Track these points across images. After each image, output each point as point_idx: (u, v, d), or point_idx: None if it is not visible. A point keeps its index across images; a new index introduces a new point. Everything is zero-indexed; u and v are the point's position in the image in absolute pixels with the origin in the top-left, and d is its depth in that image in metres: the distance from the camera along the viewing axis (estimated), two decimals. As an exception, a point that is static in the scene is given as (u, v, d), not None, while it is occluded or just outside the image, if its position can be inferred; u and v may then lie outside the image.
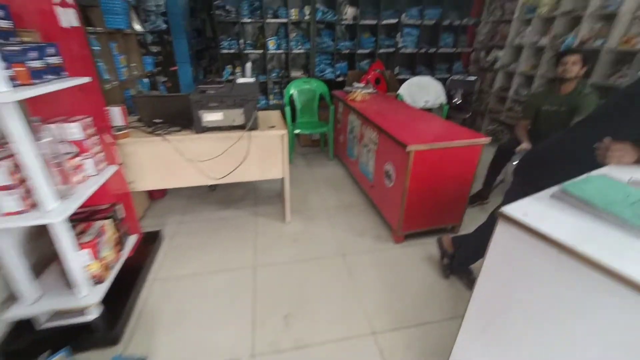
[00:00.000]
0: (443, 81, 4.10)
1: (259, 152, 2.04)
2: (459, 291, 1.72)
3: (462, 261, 1.75)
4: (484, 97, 4.25)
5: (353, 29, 3.97)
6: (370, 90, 3.25)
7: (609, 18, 2.80)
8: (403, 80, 3.88)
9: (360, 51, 3.98)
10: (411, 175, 1.84)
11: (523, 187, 1.36)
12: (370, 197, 2.54)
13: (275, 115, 2.34)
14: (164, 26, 3.39)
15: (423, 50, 4.12)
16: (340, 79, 4.03)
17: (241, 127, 1.90)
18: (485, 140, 1.86)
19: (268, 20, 3.67)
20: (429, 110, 3.77)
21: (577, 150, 1.12)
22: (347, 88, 3.28)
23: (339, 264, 1.94)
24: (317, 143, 3.80)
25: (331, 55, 4.01)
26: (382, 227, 2.28)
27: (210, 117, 1.81)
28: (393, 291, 1.73)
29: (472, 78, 4.15)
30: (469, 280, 1.74)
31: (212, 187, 2.78)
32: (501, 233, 0.73)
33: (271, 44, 3.74)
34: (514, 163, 2.28)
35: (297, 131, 3.19)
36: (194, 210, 2.45)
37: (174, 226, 2.25)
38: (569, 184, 0.78)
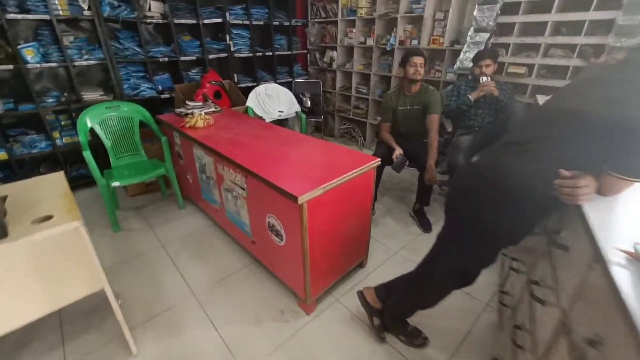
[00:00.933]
0: (287, 85, 3.79)
1: (30, 272, 1.03)
2: (404, 355, 1.38)
3: (395, 317, 1.42)
4: (330, 97, 4.25)
5: (166, 30, 3.04)
6: (211, 109, 2.51)
7: (416, 20, 3.12)
8: (246, 90, 3.32)
9: (183, 58, 3.11)
10: (309, 230, 1.34)
11: (465, 227, 1.08)
12: (254, 255, 1.90)
13: (55, 183, 1.31)
14: None
15: (260, 54, 3.66)
16: (166, 95, 3.06)
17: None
18: (376, 161, 1.56)
19: (11, 16, 2.26)
20: (286, 120, 3.39)
21: (526, 177, 0.88)
22: (179, 110, 2.42)
23: (242, 393, 1.24)
24: (154, 186, 2.75)
25: (143, 66, 2.95)
26: (281, 295, 1.70)
27: None
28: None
29: (315, 80, 4.04)
30: (407, 335, 1.43)
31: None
32: None
33: (29, 54, 2.34)
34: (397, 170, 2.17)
35: (115, 184, 2.11)
36: None
37: None
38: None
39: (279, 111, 3.19)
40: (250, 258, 1.95)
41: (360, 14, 3.45)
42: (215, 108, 2.57)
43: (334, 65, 3.98)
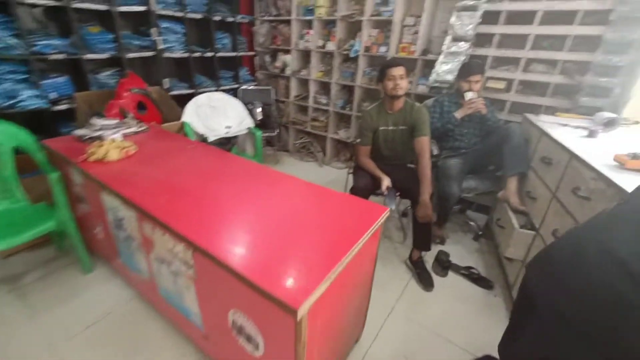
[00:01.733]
0: (232, 93, 3.18)
1: None
2: None
3: None
4: (284, 107, 3.73)
5: (63, 17, 2.20)
6: (133, 129, 1.81)
7: (383, 25, 2.80)
8: (182, 99, 2.62)
9: (90, 56, 2.29)
10: (307, 342, 0.83)
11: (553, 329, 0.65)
12: (207, 353, 1.30)
13: None
14: None
15: (198, 54, 2.97)
16: (63, 106, 2.21)
17: None
18: (386, 213, 1.12)
19: None
20: (234, 138, 2.77)
21: None
22: (80, 132, 1.67)
23: None
24: (45, 239, 1.89)
25: (24, 64, 2.07)
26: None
27: None
28: None
29: (266, 87, 3.49)
30: None
31: None
32: None
33: None
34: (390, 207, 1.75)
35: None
36: None
37: None
38: None
39: (226, 127, 2.58)
40: (195, 350, 1.34)
41: (319, 14, 3.02)
42: (139, 127, 1.87)
43: (288, 71, 3.48)
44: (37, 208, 1.62)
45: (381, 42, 2.84)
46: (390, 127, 1.93)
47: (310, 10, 3.10)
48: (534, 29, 2.06)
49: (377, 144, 1.98)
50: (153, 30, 2.56)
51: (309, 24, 3.20)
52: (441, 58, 2.36)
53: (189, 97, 2.59)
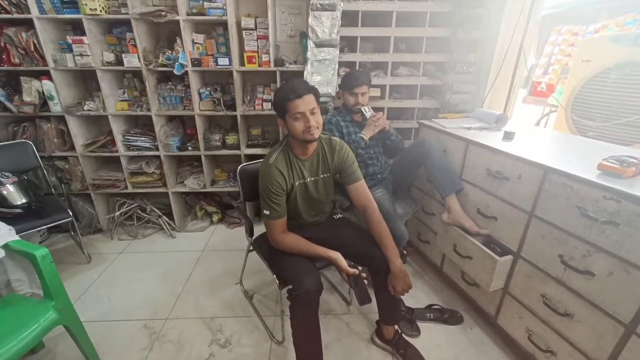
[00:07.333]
0: None
1: None
2: None
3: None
4: (68, 167, 2.19)
5: None
6: None
7: (210, 28, 1.98)
8: None
9: None
10: None
11: None
12: None
13: None
14: None
15: None
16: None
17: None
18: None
19: None
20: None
21: None
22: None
23: None
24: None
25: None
26: None
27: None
28: None
29: (18, 141, 1.89)
30: None
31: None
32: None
33: None
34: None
35: None
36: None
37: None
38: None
39: None
40: None
41: (92, 9, 1.79)
42: None
43: (55, 107, 2.01)
44: None
45: (212, 51, 2.04)
46: (309, 179, 1.28)
47: (70, 3, 1.80)
48: (394, 31, 1.92)
49: (293, 207, 1.30)
50: None
51: (73, 27, 1.89)
52: (309, 68, 1.88)
53: None
